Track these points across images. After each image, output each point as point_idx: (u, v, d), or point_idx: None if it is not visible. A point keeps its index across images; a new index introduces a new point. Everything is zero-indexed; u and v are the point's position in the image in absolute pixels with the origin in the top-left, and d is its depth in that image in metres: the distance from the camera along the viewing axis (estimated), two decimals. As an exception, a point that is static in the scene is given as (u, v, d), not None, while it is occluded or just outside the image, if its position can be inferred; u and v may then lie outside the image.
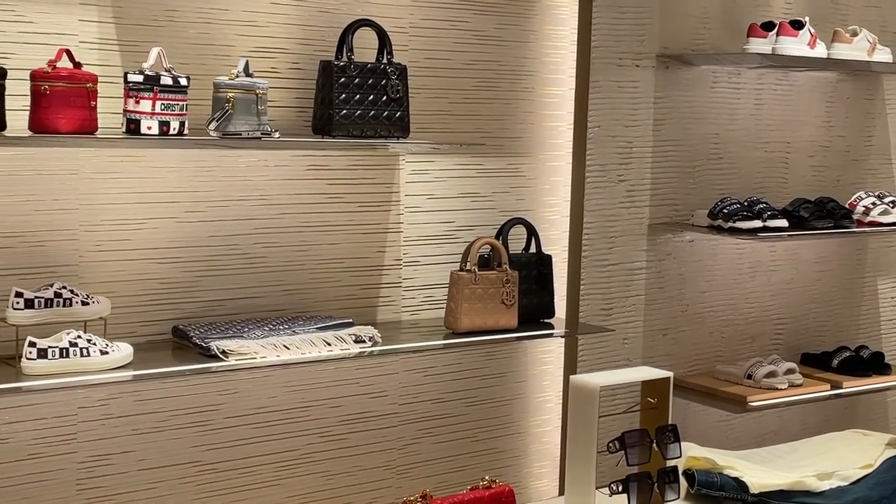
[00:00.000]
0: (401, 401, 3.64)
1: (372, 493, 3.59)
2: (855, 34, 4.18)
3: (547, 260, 3.68)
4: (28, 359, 2.80)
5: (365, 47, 3.33)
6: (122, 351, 2.92)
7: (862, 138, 4.60)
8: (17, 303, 2.86)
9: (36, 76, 2.80)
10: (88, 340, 2.88)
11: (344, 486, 3.55)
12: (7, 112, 2.75)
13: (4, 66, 2.77)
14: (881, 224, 4.26)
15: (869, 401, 4.54)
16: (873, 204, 4.27)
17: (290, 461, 3.45)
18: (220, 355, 3.01)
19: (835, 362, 4.28)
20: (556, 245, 3.85)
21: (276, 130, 3.13)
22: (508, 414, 3.86)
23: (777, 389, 3.99)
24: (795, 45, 3.99)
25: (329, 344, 3.19)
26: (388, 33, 3.34)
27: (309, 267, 3.45)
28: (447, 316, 3.47)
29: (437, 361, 3.68)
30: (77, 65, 2.86)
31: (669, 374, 2.52)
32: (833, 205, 4.17)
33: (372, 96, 3.28)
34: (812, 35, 4.03)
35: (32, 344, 2.81)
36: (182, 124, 2.95)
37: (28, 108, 2.82)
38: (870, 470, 2.67)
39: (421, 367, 3.66)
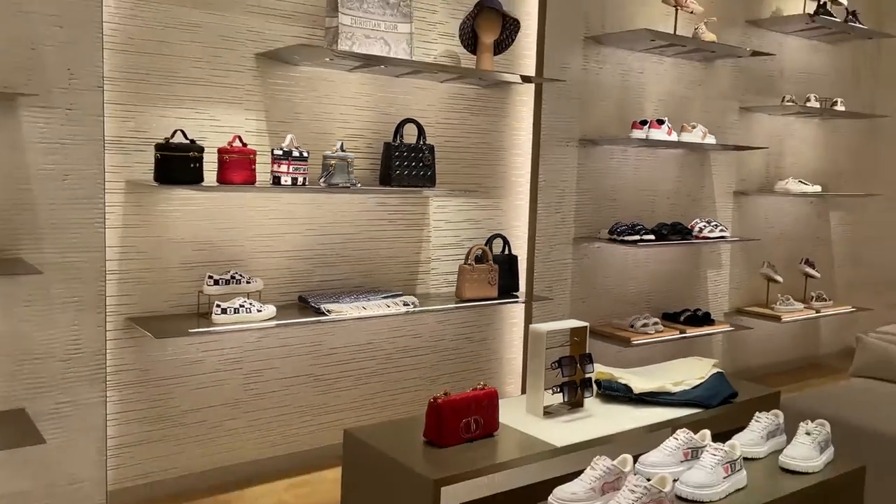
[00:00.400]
0: (430, 340, 3.62)
1: (413, 394, 3.57)
2: (694, 127, 4.17)
3: (514, 258, 3.66)
4: (215, 314, 2.82)
5: (410, 134, 3.31)
6: (270, 310, 2.94)
7: (697, 188, 4.57)
8: (210, 282, 2.89)
9: (221, 151, 2.81)
10: (250, 304, 2.89)
11: (398, 389, 3.53)
12: (204, 172, 2.77)
13: (202, 145, 2.77)
14: (709, 238, 4.25)
15: (701, 341, 4.53)
16: (704, 226, 4.27)
17: (365, 375, 3.44)
18: (326, 312, 3.02)
19: (682, 318, 4.26)
20: (520, 250, 3.81)
21: (359, 183, 3.13)
22: (491, 348, 3.83)
23: (648, 334, 3.99)
24: (659, 134, 3.98)
25: (389, 306, 3.19)
26: (424, 126, 3.32)
27: (377, 262, 3.43)
28: (457, 290, 3.46)
29: (451, 316, 3.65)
30: (244, 144, 2.86)
31: (587, 323, 2.50)
32: (681, 226, 4.16)
33: (414, 163, 3.25)
34: (669, 128, 4.02)
35: (218, 306, 2.83)
36: (305, 179, 2.94)
37: (215, 169, 2.82)
38: (703, 380, 2.64)
39: (442, 320, 3.63)
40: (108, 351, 2.76)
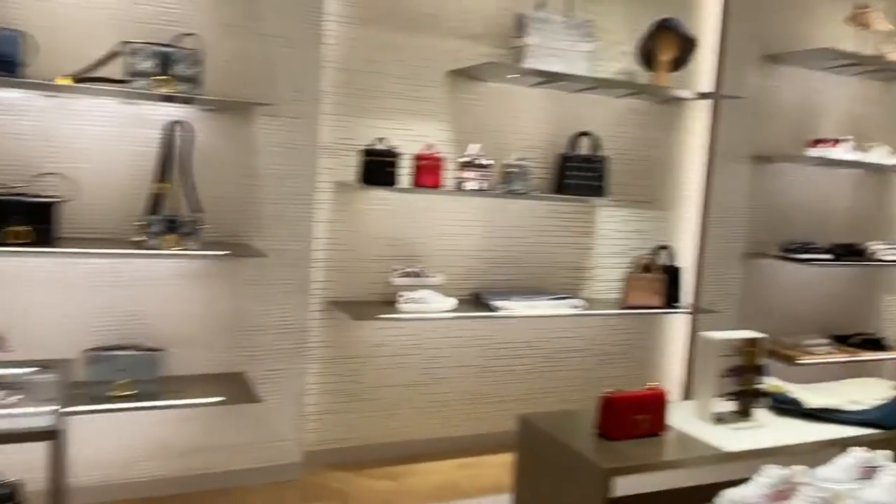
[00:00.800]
0: (594, 342, 3.61)
1: (574, 393, 3.56)
2: (874, 147, 3.90)
3: (679, 270, 3.55)
4: (402, 303, 2.97)
5: (584, 146, 3.34)
6: (449, 302, 3.04)
7: (874, 209, 4.24)
8: (398, 274, 3.04)
9: (416, 157, 2.97)
10: (432, 296, 3.01)
11: (559, 387, 3.54)
12: (399, 176, 2.94)
13: (398, 152, 2.93)
14: (885, 261, 3.94)
15: (873, 366, 4.14)
16: (883, 248, 3.96)
17: (530, 370, 3.48)
18: (498, 309, 3.10)
19: (853, 340, 3.97)
20: (684, 262, 3.69)
21: (535, 190, 3.20)
22: (652, 355, 3.76)
23: (816, 354, 3.76)
24: (837, 153, 3.74)
25: (556, 307, 3.22)
26: (599, 138, 3.36)
27: (546, 265, 3.46)
28: (622, 297, 3.43)
29: (614, 322, 3.62)
30: (435, 152, 2.99)
31: (763, 335, 2.40)
32: (856, 247, 3.89)
33: (586, 174, 3.28)
34: (848, 146, 3.77)
35: (403, 295, 2.98)
36: (487, 185, 3.04)
37: (408, 174, 2.98)
38: (882, 401, 2.44)
39: (604, 325, 3.61)
40: (310, 329, 3.00)
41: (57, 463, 1.42)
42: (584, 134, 3.34)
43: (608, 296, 3.59)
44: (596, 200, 3.36)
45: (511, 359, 3.44)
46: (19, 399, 2.42)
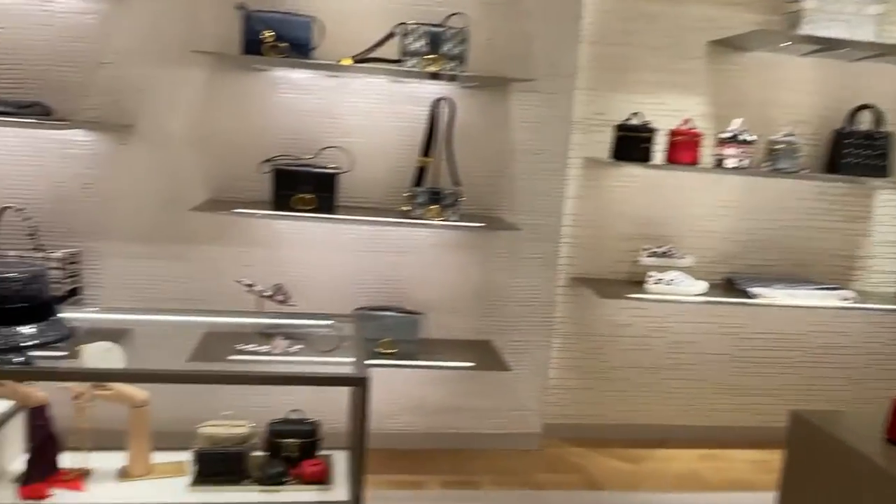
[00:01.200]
0: (859, 340, 3.28)
1: (835, 393, 3.29)
2: None
3: (977, 264, 3.14)
4: (651, 284, 2.91)
5: (863, 121, 3.01)
6: (701, 285, 2.93)
7: None
8: (645, 254, 2.98)
9: (672, 133, 2.88)
10: (682, 278, 2.92)
11: (817, 385, 3.28)
12: (652, 152, 2.87)
13: (653, 127, 2.86)
14: None
15: None
16: None
17: (784, 365, 3.27)
18: (755, 296, 2.93)
19: None
20: (982, 255, 3.25)
21: (805, 169, 2.97)
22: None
23: None
24: None
25: (823, 298, 2.96)
26: (883, 113, 3.01)
27: (810, 252, 3.20)
28: (902, 291, 3.10)
29: (888, 319, 3.25)
30: (692, 127, 2.88)
31: None
32: None
33: (866, 151, 2.97)
34: None
35: (652, 276, 2.90)
36: (749, 162, 2.87)
37: (662, 150, 2.90)
38: None
39: (876, 322, 3.27)
40: (556, 304, 3.04)
41: (361, 407, 1.58)
42: (865, 107, 3.01)
43: (884, 289, 3.24)
44: (877, 182, 3.02)
45: (765, 350, 3.25)
46: (300, 348, 2.74)
